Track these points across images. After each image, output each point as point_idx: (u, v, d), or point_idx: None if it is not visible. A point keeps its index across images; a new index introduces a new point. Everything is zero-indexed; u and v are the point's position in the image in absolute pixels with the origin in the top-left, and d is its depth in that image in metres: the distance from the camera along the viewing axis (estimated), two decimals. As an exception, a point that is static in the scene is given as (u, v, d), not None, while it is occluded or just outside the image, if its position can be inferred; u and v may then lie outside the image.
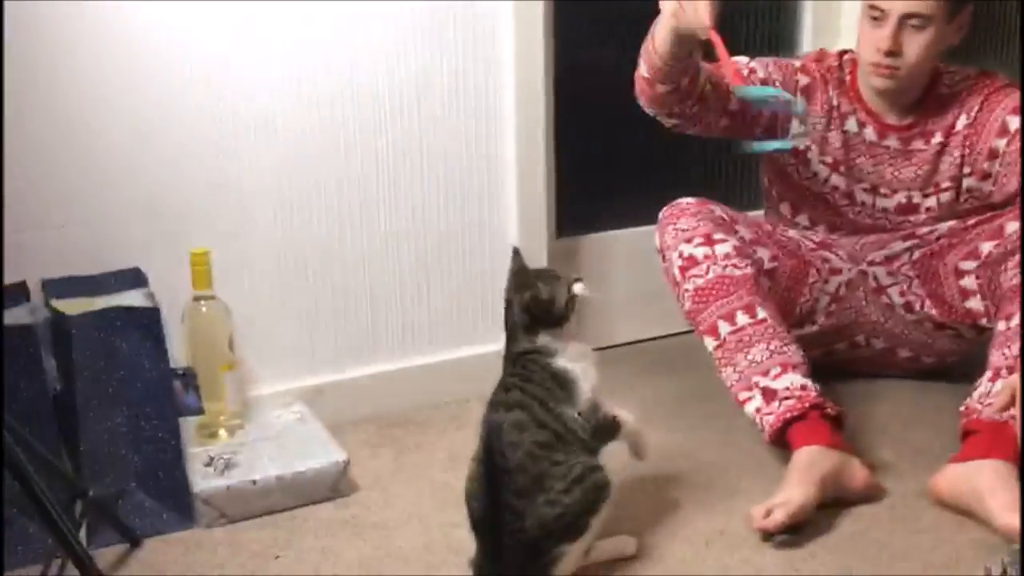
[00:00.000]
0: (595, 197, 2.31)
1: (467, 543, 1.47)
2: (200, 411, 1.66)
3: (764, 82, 1.84)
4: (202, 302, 1.67)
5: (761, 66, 1.87)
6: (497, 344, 2.05)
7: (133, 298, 1.60)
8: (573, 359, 1.41)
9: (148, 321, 1.57)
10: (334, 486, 1.63)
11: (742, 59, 1.86)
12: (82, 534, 1.40)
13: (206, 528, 1.55)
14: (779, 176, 1.97)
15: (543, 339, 1.41)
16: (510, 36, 1.94)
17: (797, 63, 1.92)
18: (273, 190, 1.80)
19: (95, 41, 1.62)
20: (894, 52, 1.74)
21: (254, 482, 1.57)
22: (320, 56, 1.79)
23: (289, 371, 1.87)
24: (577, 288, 1.43)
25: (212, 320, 1.68)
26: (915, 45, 1.74)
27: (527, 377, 1.40)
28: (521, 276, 1.45)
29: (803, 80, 1.89)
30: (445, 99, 1.92)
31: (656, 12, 1.59)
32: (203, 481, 1.56)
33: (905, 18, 1.72)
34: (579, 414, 1.38)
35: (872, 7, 1.75)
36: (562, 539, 1.33)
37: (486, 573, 1.36)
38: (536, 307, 1.40)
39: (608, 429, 1.43)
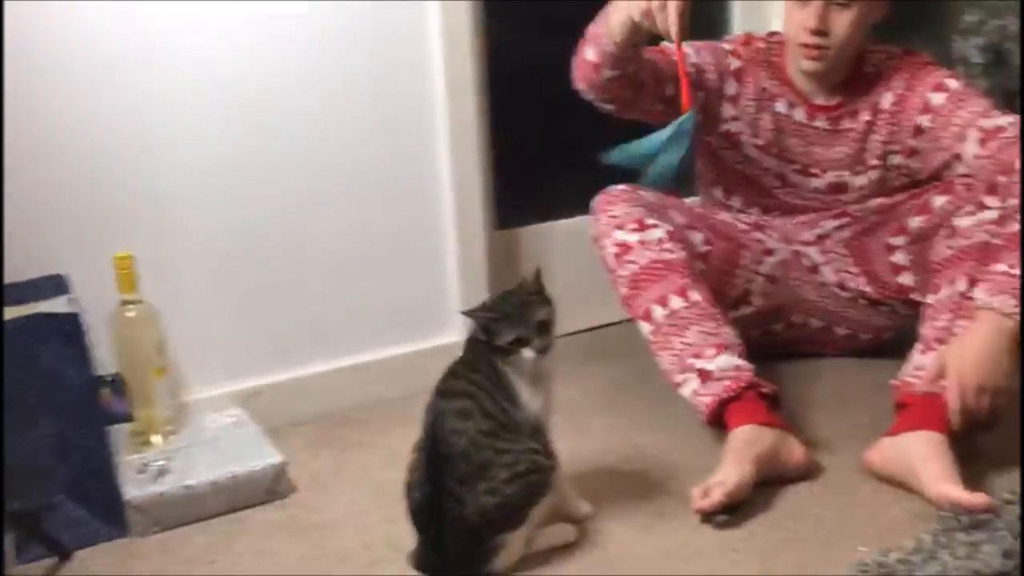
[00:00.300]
0: (532, 188, 2.30)
1: (408, 539, 1.46)
2: (130, 418, 1.62)
3: (697, 66, 1.85)
4: (128, 307, 1.63)
5: (693, 51, 1.87)
6: (439, 339, 2.07)
7: (55, 305, 1.56)
8: (520, 372, 1.36)
9: (70, 327, 1.53)
10: (271, 488, 1.61)
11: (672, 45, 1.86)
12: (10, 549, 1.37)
13: (140, 536, 1.51)
14: (711, 159, 1.98)
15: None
16: (438, 24, 1.92)
17: (727, 46, 1.93)
18: (200, 190, 1.77)
19: (8, 42, 1.58)
20: (821, 31, 1.75)
21: (188, 487, 1.54)
22: (244, 55, 1.77)
23: (224, 374, 1.85)
24: (525, 352, 1.36)
25: (140, 325, 1.65)
26: (841, 23, 1.75)
27: (475, 367, 1.38)
28: (521, 289, 1.40)
29: (734, 63, 1.90)
30: (374, 91, 1.90)
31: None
32: (135, 489, 1.53)
33: None
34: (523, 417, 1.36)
35: None
36: (502, 528, 1.32)
37: (426, 563, 1.35)
38: (476, 331, 1.38)
39: (547, 450, 1.39)
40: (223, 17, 1.74)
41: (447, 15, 1.92)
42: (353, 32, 1.85)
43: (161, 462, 1.60)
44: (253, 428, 1.74)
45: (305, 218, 1.88)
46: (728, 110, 1.90)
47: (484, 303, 1.43)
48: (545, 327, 1.37)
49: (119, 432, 1.63)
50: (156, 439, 1.69)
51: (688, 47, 1.87)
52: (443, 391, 1.37)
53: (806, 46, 1.77)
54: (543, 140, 2.29)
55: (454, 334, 2.08)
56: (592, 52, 1.70)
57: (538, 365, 1.37)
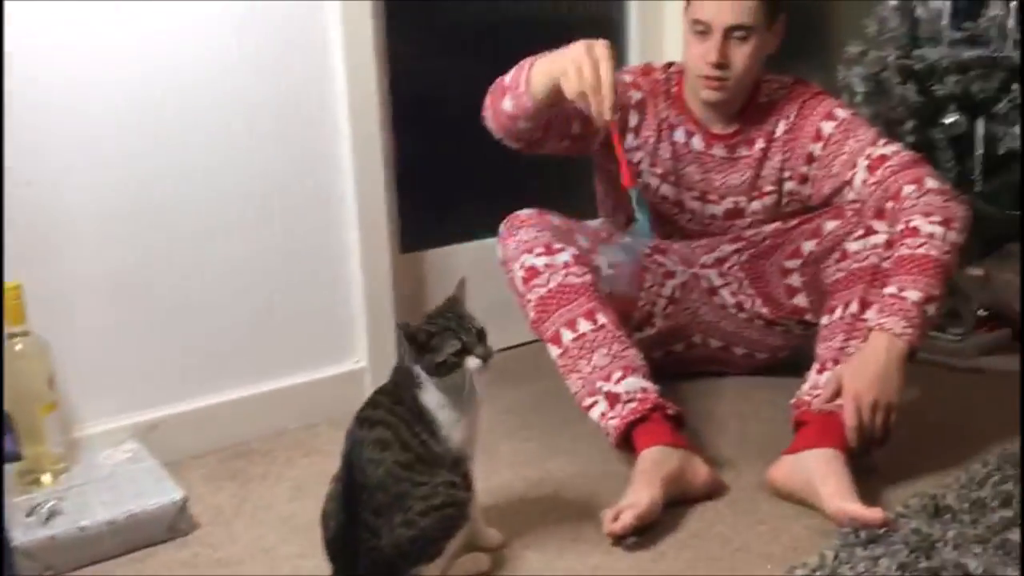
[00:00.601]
0: (437, 212, 2.30)
1: (315, 573, 1.43)
2: (18, 457, 1.54)
3: None
4: (16, 339, 1.56)
5: None
6: (343, 367, 2.04)
7: (-65, 340, 1.48)
8: (440, 404, 1.33)
9: (-47, 363, 1.45)
10: (172, 526, 1.55)
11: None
12: None
13: (32, 583, 1.44)
14: (613, 187, 2.01)
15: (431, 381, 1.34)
16: (341, 47, 1.90)
17: (628, 78, 1.96)
18: (92, 216, 1.71)
19: None
20: (722, 64, 1.80)
21: (82, 528, 1.47)
22: (138, 79, 1.71)
23: (118, 407, 1.77)
24: (469, 362, 1.33)
25: (28, 358, 1.57)
26: (740, 55, 1.81)
27: (397, 399, 1.35)
28: (449, 307, 1.38)
29: (635, 95, 1.94)
30: (277, 115, 1.87)
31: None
32: (24, 533, 1.45)
33: (729, 31, 1.78)
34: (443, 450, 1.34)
35: (696, 22, 1.80)
36: (417, 561, 1.31)
37: None
38: (412, 346, 1.33)
39: (465, 481, 1.37)
40: (118, 40, 1.68)
41: (350, 38, 1.91)
42: (254, 56, 1.82)
43: (52, 503, 1.52)
44: (151, 463, 1.68)
45: (203, 244, 1.83)
46: (630, 140, 1.94)
47: (420, 322, 1.38)
48: (483, 335, 1.36)
49: (6, 472, 1.54)
50: (46, 478, 1.61)
51: None
52: (363, 419, 1.35)
53: (707, 77, 1.82)
54: (446, 164, 2.29)
55: (358, 361, 2.06)
56: (510, 104, 1.69)
57: (474, 385, 1.34)
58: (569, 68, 1.53)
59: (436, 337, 1.33)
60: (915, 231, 1.65)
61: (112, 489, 1.58)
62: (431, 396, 1.34)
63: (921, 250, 1.62)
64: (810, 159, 1.88)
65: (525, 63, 1.67)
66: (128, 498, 1.55)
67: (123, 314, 1.76)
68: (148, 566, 1.48)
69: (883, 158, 1.77)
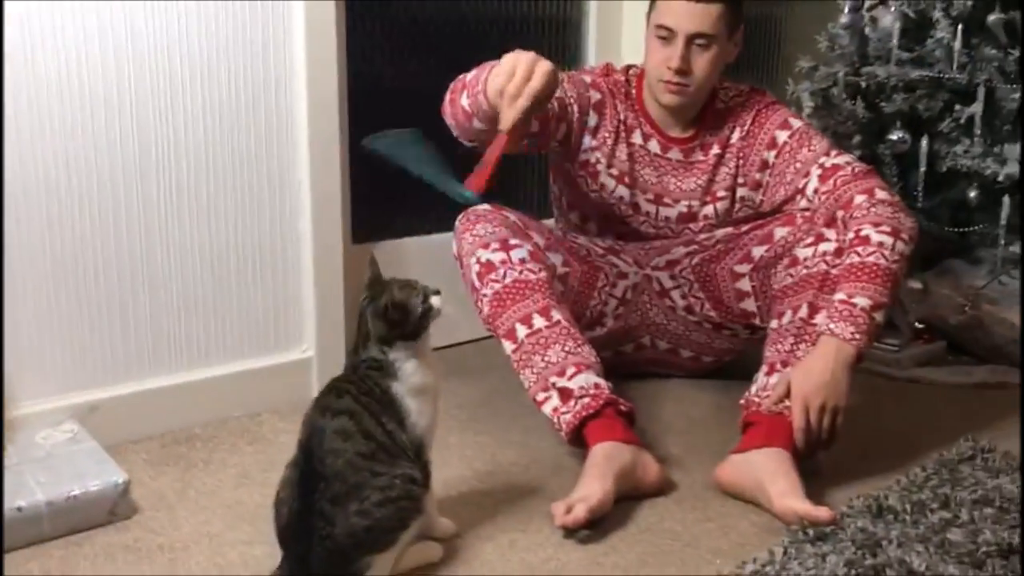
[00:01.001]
0: (390, 203, 2.28)
1: (264, 561, 1.41)
2: (-47, 433, 1.49)
3: (560, 100, 1.86)
4: (-45, 312, 1.50)
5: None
6: (290, 355, 2.01)
7: None
8: (413, 391, 1.35)
9: None
10: (113, 509, 1.51)
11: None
12: None
13: (-39, 564, 1.38)
14: (569, 186, 2.03)
15: (395, 353, 1.35)
16: (302, 40, 1.88)
17: (588, 79, 1.98)
18: (37, 190, 1.65)
19: None
20: (683, 70, 1.83)
21: (20, 509, 1.42)
22: (94, 54, 1.66)
23: (58, 387, 1.72)
24: (434, 300, 1.37)
25: (-33, 332, 1.51)
26: (702, 63, 1.84)
27: (365, 389, 1.34)
28: (377, 283, 1.39)
29: (595, 96, 1.95)
30: (235, 102, 1.83)
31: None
32: (-42, 511, 1.40)
33: (692, 38, 1.81)
34: (410, 439, 1.35)
35: (660, 27, 1.82)
36: (371, 550, 1.29)
37: None
38: (393, 313, 1.34)
39: (424, 474, 1.37)
40: (83, 14, 1.64)
41: (312, 30, 1.88)
42: (216, 42, 1.79)
43: (-13, 482, 1.47)
44: (91, 444, 1.63)
45: (151, 226, 1.78)
46: (588, 141, 1.95)
47: (370, 303, 1.38)
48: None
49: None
50: (-21, 457, 1.55)
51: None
52: (324, 408, 1.33)
53: (668, 82, 1.85)
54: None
55: (306, 350, 2.03)
56: (467, 102, 1.68)
57: (428, 371, 1.37)
58: (506, 66, 1.54)
59: (404, 295, 1.35)
60: (865, 240, 1.69)
61: (50, 470, 1.53)
62: (403, 385, 1.34)
63: (871, 258, 1.66)
64: (764, 166, 1.91)
65: (488, 65, 1.66)
66: (67, 479, 1.50)
67: (65, 292, 1.71)
68: (87, 549, 1.44)
69: (836, 168, 1.82)
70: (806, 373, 1.62)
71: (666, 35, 1.82)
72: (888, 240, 1.68)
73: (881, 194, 1.76)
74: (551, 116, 1.83)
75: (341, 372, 1.40)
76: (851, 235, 1.72)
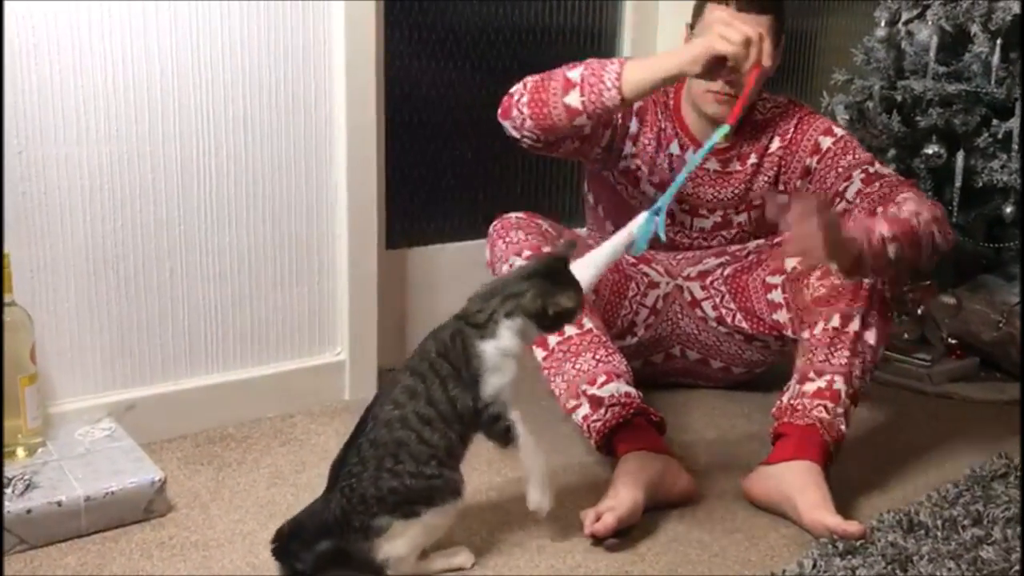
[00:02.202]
0: (424, 210, 2.31)
1: (296, 559, 1.43)
2: (-4, 428, 1.52)
3: None
4: (2, 309, 1.53)
5: None
6: (322, 358, 2.03)
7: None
8: (501, 352, 1.37)
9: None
10: (149, 506, 1.53)
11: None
12: None
13: (4, 556, 1.41)
14: (607, 194, 2.03)
15: (512, 324, 1.37)
16: (341, 45, 1.91)
17: None
18: (83, 191, 1.68)
19: None
20: (733, 82, 1.82)
21: (59, 504, 1.45)
22: (139, 58, 1.70)
23: (97, 385, 1.75)
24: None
25: (11, 328, 1.54)
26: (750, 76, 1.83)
27: (443, 351, 1.37)
28: (559, 266, 1.42)
29: (637, 103, 1.95)
30: (273, 106, 1.86)
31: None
32: (-1, 504, 1.43)
33: None
34: (475, 402, 1.36)
35: None
36: (390, 510, 1.31)
37: (307, 524, 1.34)
38: (552, 316, 1.38)
39: (498, 435, 1.40)
40: (122, 16, 1.67)
41: (351, 34, 1.91)
42: (256, 45, 1.82)
43: (28, 476, 1.50)
44: (128, 442, 1.66)
45: (190, 228, 1.81)
46: (629, 147, 1.96)
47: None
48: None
49: (-22, 445, 1.52)
50: (20, 452, 1.58)
51: None
52: (407, 366, 1.39)
53: (717, 92, 1.84)
54: (435, 164, 2.31)
55: (339, 353, 2.05)
56: (578, 100, 1.66)
57: (521, 348, 1.40)
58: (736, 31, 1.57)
59: (566, 313, 1.39)
60: (906, 203, 1.71)
61: (88, 466, 1.56)
62: (493, 345, 1.36)
63: (904, 215, 1.67)
64: (806, 172, 1.91)
65: (595, 63, 1.66)
66: (105, 476, 1.53)
67: (106, 292, 1.74)
68: (123, 545, 1.46)
69: (879, 175, 1.82)
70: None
71: None
72: (927, 216, 1.68)
73: (926, 199, 1.76)
74: (599, 121, 1.82)
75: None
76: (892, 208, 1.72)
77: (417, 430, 1.32)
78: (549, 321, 1.39)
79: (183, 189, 1.79)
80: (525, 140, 1.76)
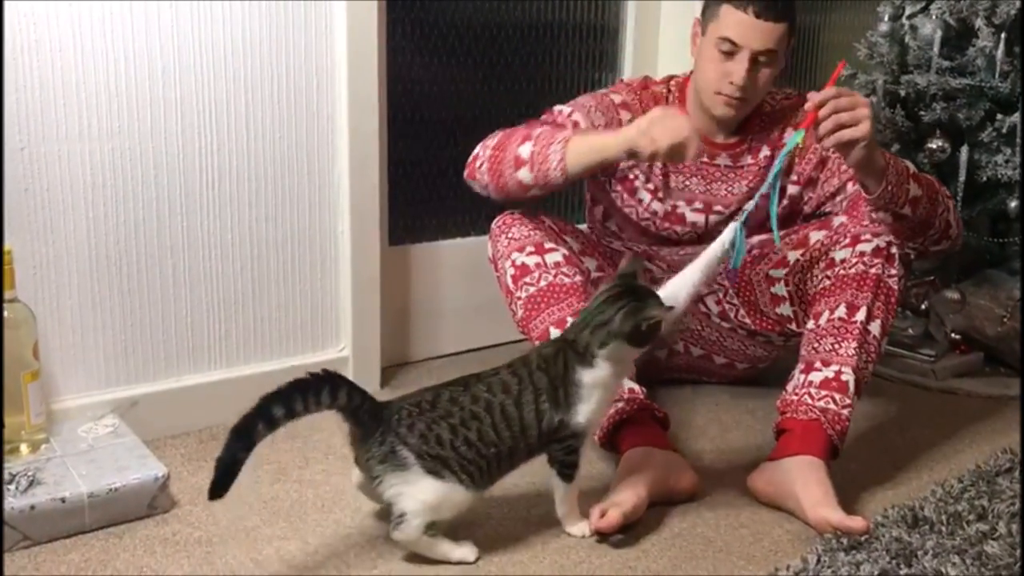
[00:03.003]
0: (426, 206, 2.31)
1: (299, 557, 1.43)
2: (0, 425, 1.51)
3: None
4: (3, 305, 1.53)
5: (583, 114, 1.87)
6: (326, 354, 2.03)
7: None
8: (596, 384, 1.42)
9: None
10: (152, 502, 1.53)
11: (562, 108, 1.88)
12: None
13: (7, 552, 1.41)
14: (605, 197, 2.03)
15: (607, 351, 1.41)
16: (343, 43, 1.90)
17: (618, 98, 1.94)
18: (85, 187, 1.68)
19: None
20: (747, 87, 1.81)
21: (63, 500, 1.45)
22: (141, 55, 1.69)
23: (100, 381, 1.75)
24: (665, 318, 1.43)
25: (14, 325, 1.54)
26: (763, 78, 1.82)
27: (545, 367, 1.42)
28: (632, 283, 1.46)
29: (626, 116, 1.91)
30: (276, 99, 1.86)
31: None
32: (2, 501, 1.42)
33: (758, 54, 1.78)
34: (561, 426, 1.42)
35: (724, 39, 1.78)
36: (420, 456, 1.34)
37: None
38: (646, 330, 1.41)
39: (567, 465, 1.46)
40: (124, 12, 1.66)
41: (354, 31, 1.91)
42: (259, 41, 1.81)
43: (31, 473, 1.49)
44: (132, 438, 1.66)
45: (193, 225, 1.81)
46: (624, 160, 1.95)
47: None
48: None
49: (-17, 441, 1.51)
50: (24, 448, 1.58)
51: (578, 112, 1.87)
52: (511, 364, 1.44)
53: (727, 95, 1.83)
54: (437, 161, 2.30)
55: (343, 349, 2.05)
56: (529, 177, 1.69)
57: (619, 375, 1.49)
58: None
59: (657, 322, 1.42)
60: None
61: (92, 463, 1.56)
62: (591, 375, 1.42)
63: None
64: (822, 162, 1.91)
65: (545, 137, 1.67)
66: (109, 472, 1.53)
67: (109, 288, 1.74)
68: (127, 541, 1.46)
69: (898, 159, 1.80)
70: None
71: (730, 49, 1.78)
72: (947, 192, 1.74)
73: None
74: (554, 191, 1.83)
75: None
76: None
77: (496, 420, 1.37)
78: (642, 336, 1.42)
79: (185, 186, 1.79)
80: (491, 198, 1.80)
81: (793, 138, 1.60)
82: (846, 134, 1.53)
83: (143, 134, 1.72)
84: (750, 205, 1.61)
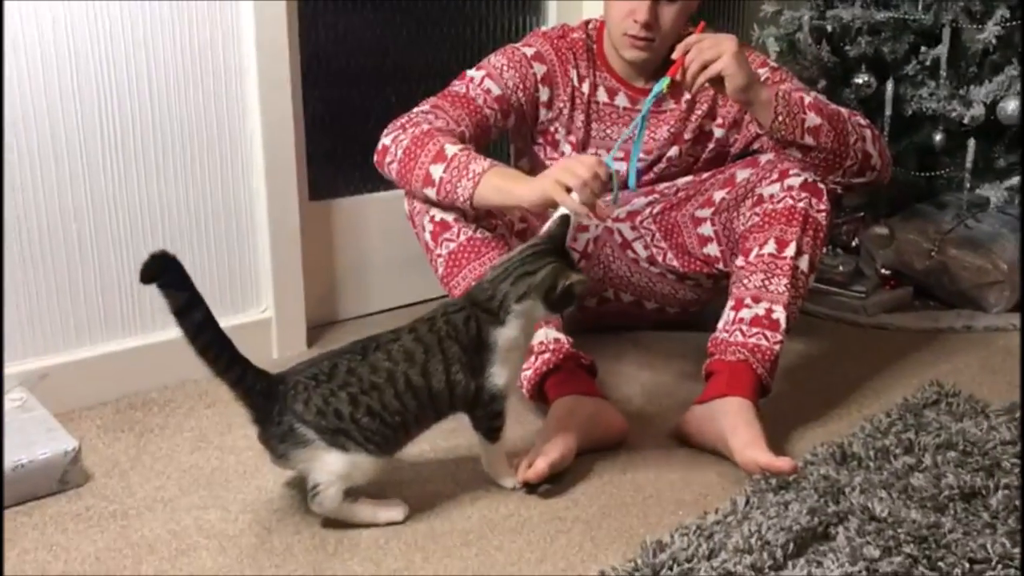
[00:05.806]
0: (348, 159, 2.23)
1: (218, 525, 1.39)
2: None
3: (501, 99, 1.82)
4: None
5: (495, 78, 1.83)
6: (248, 315, 1.96)
7: None
8: (509, 344, 1.39)
9: None
10: (63, 477, 1.47)
11: (473, 74, 1.83)
12: None
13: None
14: (528, 150, 1.98)
15: (521, 307, 1.38)
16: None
17: (530, 51, 1.89)
18: (-25, 150, 1.59)
19: None
20: (650, 24, 1.77)
21: (-35, 479, 1.39)
22: (33, 8, 1.60)
23: (7, 353, 1.67)
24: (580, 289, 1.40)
25: (-96, 299, 1.46)
26: (668, 16, 1.78)
27: (455, 334, 1.37)
28: (558, 245, 1.43)
29: (540, 70, 1.88)
30: (179, 56, 1.77)
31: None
32: (-100, 483, 1.36)
33: None
34: (479, 391, 1.38)
35: None
36: (319, 431, 1.31)
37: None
38: (564, 297, 1.38)
39: (491, 430, 1.43)
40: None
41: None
42: (154, -15, 1.72)
43: (-69, 452, 1.43)
44: (41, 412, 1.59)
45: (97, 185, 1.73)
46: (544, 113, 1.91)
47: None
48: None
49: None
50: (-76, 427, 1.50)
51: (489, 76, 1.83)
52: (414, 328, 1.38)
53: (633, 36, 1.79)
54: (357, 113, 2.23)
55: (265, 310, 1.99)
56: (434, 195, 1.65)
57: (528, 336, 1.45)
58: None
59: (574, 291, 1.39)
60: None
61: (-2, 439, 1.49)
62: (503, 335, 1.38)
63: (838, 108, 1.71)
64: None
65: (459, 162, 1.61)
66: (16, 448, 1.46)
67: (9, 256, 1.66)
68: (35, 519, 1.40)
69: (817, 100, 1.77)
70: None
71: None
72: (862, 122, 1.74)
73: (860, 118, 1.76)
74: (490, 124, 1.82)
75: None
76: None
77: (400, 390, 1.32)
78: (556, 299, 1.38)
79: (85, 145, 1.70)
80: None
81: (658, 84, 1.64)
82: (712, 68, 1.57)
83: (36, 93, 1.63)
84: (617, 146, 1.63)
